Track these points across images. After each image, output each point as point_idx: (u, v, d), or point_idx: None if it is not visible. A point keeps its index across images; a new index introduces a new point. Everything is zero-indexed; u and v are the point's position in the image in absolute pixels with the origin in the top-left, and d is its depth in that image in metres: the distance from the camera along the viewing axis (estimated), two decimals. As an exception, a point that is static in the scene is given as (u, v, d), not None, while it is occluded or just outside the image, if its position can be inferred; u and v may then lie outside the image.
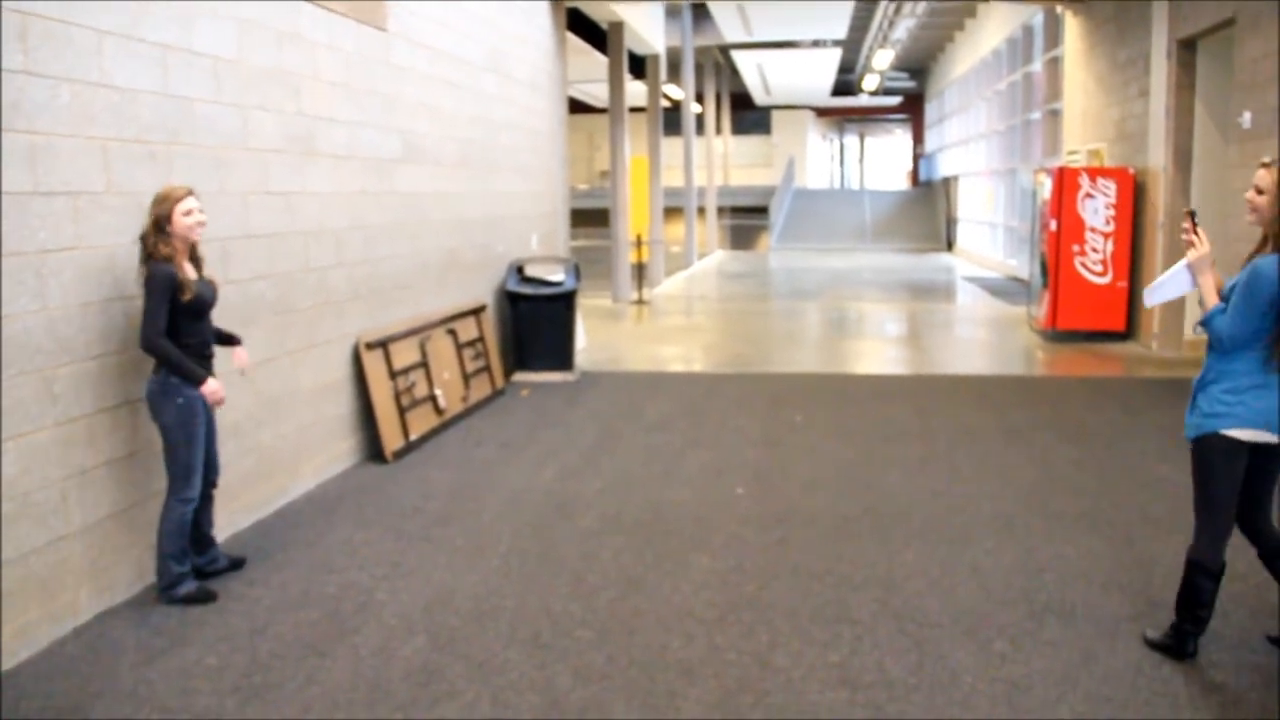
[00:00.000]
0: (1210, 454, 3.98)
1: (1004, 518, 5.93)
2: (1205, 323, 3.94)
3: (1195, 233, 3.99)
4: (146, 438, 4.88)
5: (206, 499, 4.97)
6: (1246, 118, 9.44)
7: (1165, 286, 4.18)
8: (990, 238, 25.39)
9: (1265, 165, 3.88)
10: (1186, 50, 11.15)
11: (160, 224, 4.56)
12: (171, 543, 4.73)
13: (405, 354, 7.77)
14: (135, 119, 4.91)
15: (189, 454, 4.71)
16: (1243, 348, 3.87)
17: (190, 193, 4.65)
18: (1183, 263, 4.07)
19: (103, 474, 4.69)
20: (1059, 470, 6.92)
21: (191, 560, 4.88)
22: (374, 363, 7.27)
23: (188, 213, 4.60)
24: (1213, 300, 3.94)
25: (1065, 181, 12.54)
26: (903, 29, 24.77)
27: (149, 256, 4.55)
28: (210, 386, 4.67)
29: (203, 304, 4.73)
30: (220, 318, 5.00)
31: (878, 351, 12.89)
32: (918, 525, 5.84)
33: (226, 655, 4.26)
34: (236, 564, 5.17)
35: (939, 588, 4.93)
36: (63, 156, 4.45)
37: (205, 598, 4.80)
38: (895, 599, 4.80)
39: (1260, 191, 3.86)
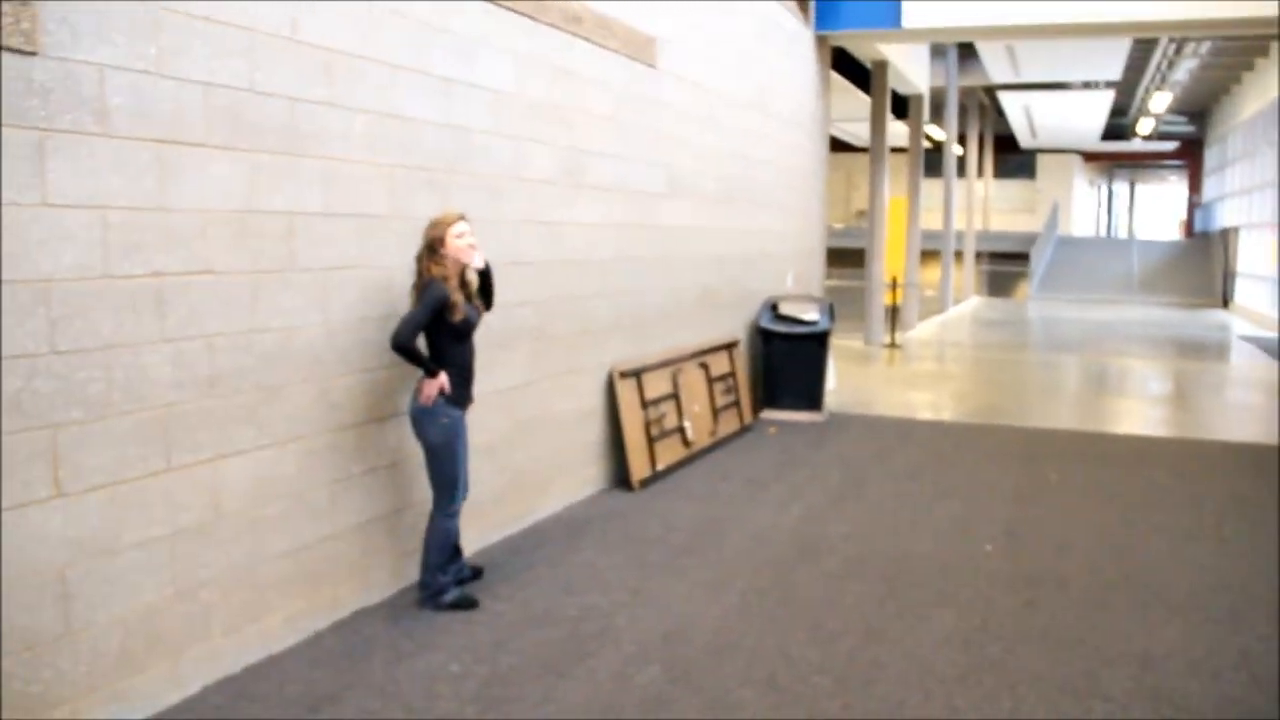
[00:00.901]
0: None
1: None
2: None
3: None
4: (409, 450, 5.11)
5: None
6: None
7: None
8: (1273, 295, 23.49)
9: None
10: None
11: (434, 246, 4.80)
12: (438, 554, 4.96)
13: (657, 385, 7.87)
14: (419, 148, 5.21)
15: (453, 469, 4.92)
16: None
17: (462, 218, 4.87)
18: None
19: (368, 481, 4.95)
20: (1353, 552, 6.28)
21: None
22: (627, 392, 7.40)
23: (460, 235, 4.82)
24: None
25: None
26: (1183, 70, 23.41)
27: (422, 276, 4.80)
28: (439, 381, 4.78)
29: (469, 326, 4.93)
30: (483, 341, 5.20)
31: (1140, 411, 12.12)
32: (1180, 600, 5.40)
33: (469, 664, 4.39)
34: (477, 573, 5.36)
35: (1202, 671, 4.53)
36: (353, 181, 4.76)
37: (469, 604, 5.01)
38: (1152, 678, 4.44)
39: None
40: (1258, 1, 11.22)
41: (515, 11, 5.98)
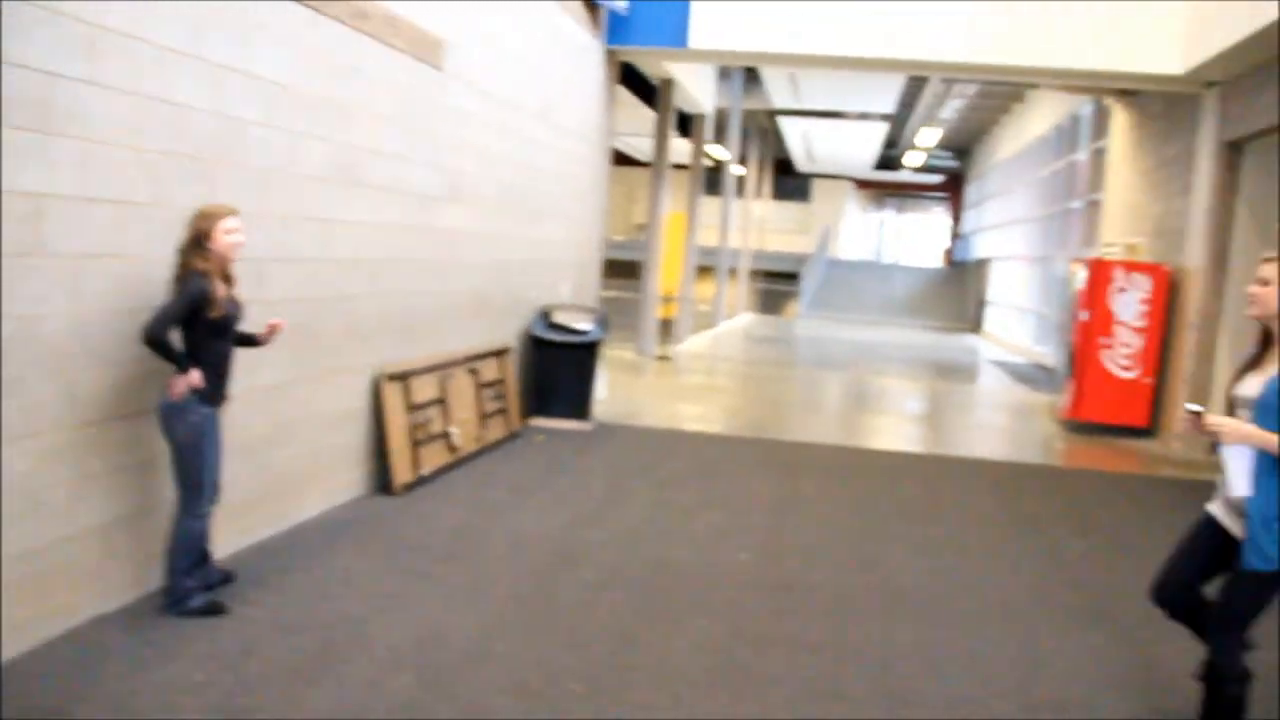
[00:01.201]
0: (1276, 584, 3.82)
1: (1007, 606, 5.88)
2: None
3: (1205, 423, 3.79)
4: (159, 448, 4.89)
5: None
6: (1288, 226, 9.42)
7: (1238, 473, 3.83)
8: (1020, 323, 25.34)
9: (1268, 260, 3.82)
10: (1233, 151, 11.14)
11: (200, 239, 4.63)
12: (184, 557, 4.77)
13: (425, 389, 7.81)
14: (188, 135, 5.01)
15: (200, 469, 4.75)
16: None
17: (234, 212, 4.73)
18: (1229, 450, 3.81)
19: (112, 480, 4.72)
20: (1067, 562, 6.87)
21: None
22: (393, 395, 7.31)
23: (229, 231, 4.68)
24: (1272, 440, 3.68)
25: (1099, 273, 12.52)
26: (951, 108, 24.96)
27: (184, 269, 4.62)
28: (191, 378, 4.60)
29: (228, 323, 4.78)
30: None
31: (896, 428, 12.86)
32: (919, 606, 5.79)
33: (214, 673, 4.26)
34: (228, 578, 5.18)
35: (935, 671, 4.88)
36: (113, 166, 4.54)
37: (217, 610, 4.84)
38: (890, 679, 4.76)
39: (1265, 283, 3.78)
40: (1016, 49, 12.12)
41: (299, 2, 5.85)
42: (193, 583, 4.82)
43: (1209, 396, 11.30)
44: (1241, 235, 11.18)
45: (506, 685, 4.37)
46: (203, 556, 4.95)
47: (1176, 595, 4.16)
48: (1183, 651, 5.18)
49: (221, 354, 4.81)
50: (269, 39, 5.62)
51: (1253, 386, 3.84)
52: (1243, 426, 3.74)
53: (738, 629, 5.24)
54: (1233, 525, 3.93)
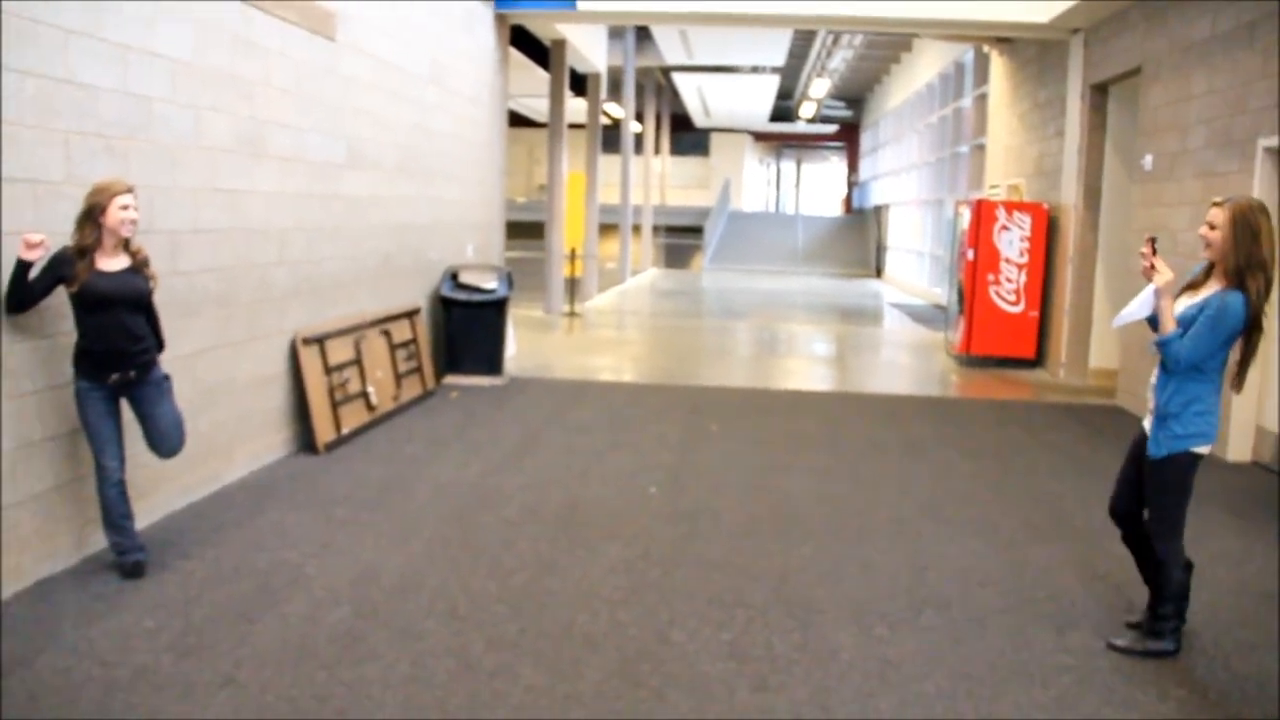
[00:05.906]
0: (1181, 469, 4.41)
1: (897, 521, 6.38)
2: (1164, 344, 4.27)
3: (1155, 259, 4.32)
4: (92, 415, 5.13)
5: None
6: (1148, 160, 10.06)
7: (1135, 311, 4.50)
8: (917, 266, 26.11)
9: (1217, 204, 4.30)
10: (1099, 94, 11.80)
11: (93, 212, 4.72)
12: (105, 514, 4.99)
13: (340, 351, 8.07)
14: (96, 114, 5.20)
15: (91, 439, 4.88)
16: (1196, 371, 4.30)
17: (129, 189, 4.82)
18: (1151, 288, 4.37)
19: (49, 448, 4.95)
20: (955, 482, 7.40)
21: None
22: (310, 358, 7.56)
23: (124, 207, 4.76)
24: (1171, 324, 4.28)
25: (983, 214, 13.14)
26: (839, 59, 25.50)
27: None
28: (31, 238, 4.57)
29: (95, 298, 4.74)
30: (167, 308, 5.27)
31: (799, 370, 13.38)
32: (816, 525, 6.26)
33: (163, 619, 4.54)
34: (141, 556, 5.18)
35: (829, 580, 5.35)
36: (25, 146, 4.73)
37: (131, 573, 4.99)
38: (788, 588, 5.21)
39: (1213, 227, 4.28)
40: (888, 3, 12.60)
41: (192, -19, 6.03)
42: (118, 539, 5.02)
43: (1090, 325, 12.05)
44: (1110, 172, 11.86)
45: (436, 611, 4.73)
46: (121, 519, 5.03)
47: (1125, 510, 4.70)
48: (1052, 554, 5.78)
49: (97, 330, 4.79)
50: (168, 18, 5.80)
51: (1181, 305, 4.38)
52: (1169, 280, 4.30)
53: (648, 553, 5.65)
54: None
